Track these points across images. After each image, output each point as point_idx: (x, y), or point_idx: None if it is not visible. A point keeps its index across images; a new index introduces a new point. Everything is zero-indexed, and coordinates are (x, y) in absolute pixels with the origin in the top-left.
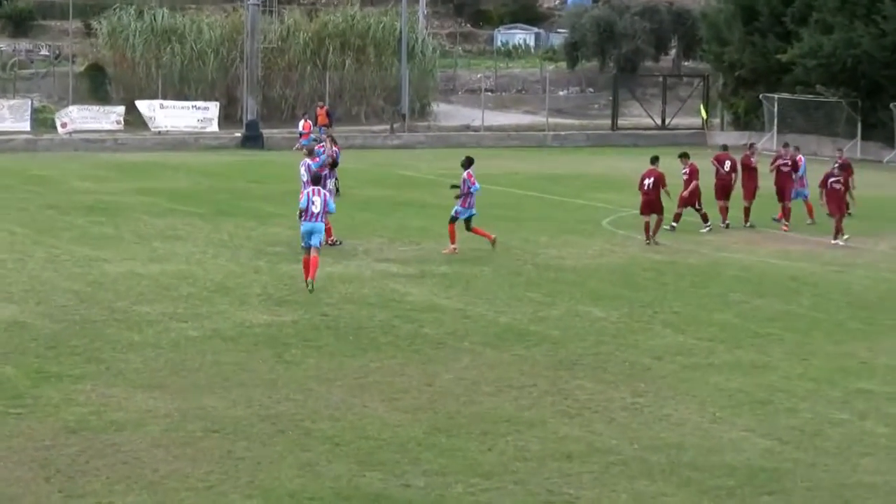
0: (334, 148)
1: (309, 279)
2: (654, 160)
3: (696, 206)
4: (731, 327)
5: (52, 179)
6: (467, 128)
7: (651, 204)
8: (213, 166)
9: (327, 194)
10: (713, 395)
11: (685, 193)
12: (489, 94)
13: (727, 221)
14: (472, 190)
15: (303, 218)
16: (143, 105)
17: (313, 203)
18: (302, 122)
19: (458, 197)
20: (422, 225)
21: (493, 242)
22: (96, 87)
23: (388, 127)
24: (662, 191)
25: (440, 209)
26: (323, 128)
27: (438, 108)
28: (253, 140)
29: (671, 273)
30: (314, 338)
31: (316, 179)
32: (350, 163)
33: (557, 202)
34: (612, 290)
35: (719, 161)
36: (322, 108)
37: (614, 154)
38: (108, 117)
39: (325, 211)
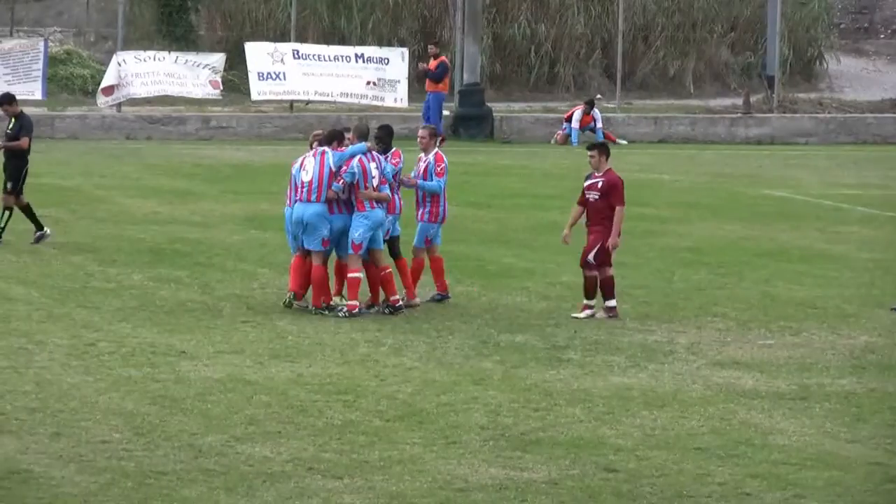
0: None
1: (290, 292)
2: None
3: None
4: None
5: (83, 195)
6: (895, 105)
7: None
8: None
9: (363, 159)
10: None
11: None
12: None
13: None
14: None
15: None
16: (258, 51)
17: (304, 169)
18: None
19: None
20: (805, 295)
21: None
22: (170, 15)
23: (738, 103)
24: None
25: (840, 263)
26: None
27: (840, 65)
28: (474, 123)
29: None
30: None
31: (329, 136)
32: (663, 171)
33: None
34: None
35: None
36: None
37: None
38: (194, 74)
39: (336, 185)
